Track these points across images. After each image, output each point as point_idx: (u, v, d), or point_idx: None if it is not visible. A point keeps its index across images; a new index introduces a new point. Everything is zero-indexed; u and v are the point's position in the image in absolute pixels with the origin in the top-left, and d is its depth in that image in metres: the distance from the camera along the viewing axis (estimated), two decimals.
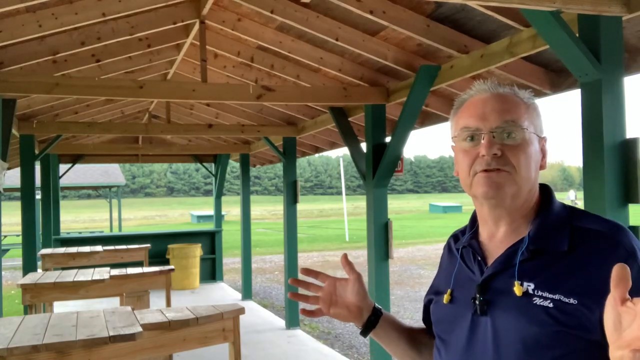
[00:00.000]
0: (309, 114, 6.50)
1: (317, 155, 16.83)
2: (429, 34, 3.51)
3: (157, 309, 3.87)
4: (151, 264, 8.01)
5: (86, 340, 2.82)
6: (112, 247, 7.78)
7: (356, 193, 77.17)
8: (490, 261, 1.14)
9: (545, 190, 1.17)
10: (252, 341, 6.61)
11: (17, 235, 15.96)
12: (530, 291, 1.04)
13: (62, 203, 11.91)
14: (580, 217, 1.11)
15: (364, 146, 5.08)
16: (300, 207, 8.71)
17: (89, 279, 5.08)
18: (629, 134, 2.51)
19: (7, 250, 17.56)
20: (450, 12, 3.38)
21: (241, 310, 3.80)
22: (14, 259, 16.37)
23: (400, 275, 13.22)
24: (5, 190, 10.58)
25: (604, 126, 2.47)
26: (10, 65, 4.03)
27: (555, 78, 3.75)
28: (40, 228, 9.76)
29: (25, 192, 6.35)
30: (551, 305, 1.01)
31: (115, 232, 23.34)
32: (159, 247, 10.43)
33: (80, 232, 24.41)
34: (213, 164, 11.75)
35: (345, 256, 1.32)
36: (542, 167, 1.15)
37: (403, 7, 3.43)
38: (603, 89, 2.48)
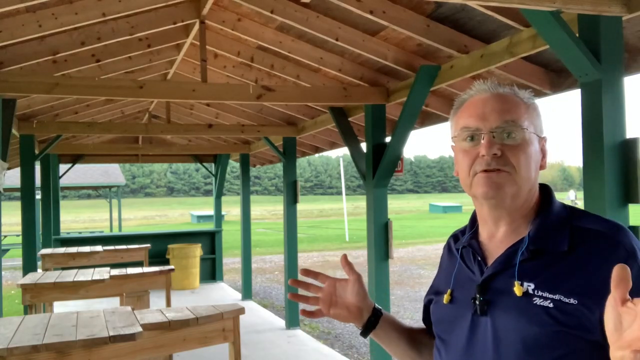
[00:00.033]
0: (309, 114, 6.50)
1: (317, 155, 16.84)
2: (429, 34, 3.51)
3: (157, 309, 3.87)
4: (151, 264, 8.01)
5: (86, 340, 2.81)
6: (112, 247, 7.78)
7: (356, 193, 77.17)
8: (490, 261, 1.13)
9: (545, 190, 1.17)
10: (252, 341, 6.61)
11: (17, 235, 15.97)
12: (531, 291, 1.04)
13: (62, 203, 11.91)
14: (580, 217, 1.11)
15: (364, 146, 5.09)
16: (300, 207, 8.71)
17: (89, 279, 5.08)
18: (629, 134, 2.51)
19: (7, 250, 17.56)
20: (450, 12, 3.38)
21: (241, 310, 3.80)
22: (14, 259, 16.38)
23: (400, 275, 13.22)
24: (5, 190, 10.58)
25: (604, 126, 2.47)
26: (10, 65, 4.03)
27: (555, 78, 3.75)
28: (40, 228, 9.76)
29: (25, 192, 6.35)
30: (551, 305, 1.01)
31: (115, 232, 23.34)
32: (159, 247, 10.44)
33: (80, 232, 24.41)
34: (213, 164, 11.75)
35: (344, 257, 1.32)
36: (542, 167, 1.15)
37: (403, 7, 3.43)
38: (603, 89, 2.48)
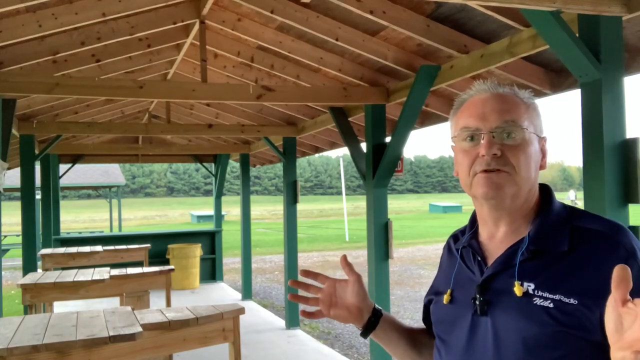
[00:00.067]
0: (309, 114, 6.50)
1: (317, 155, 16.84)
2: (429, 34, 3.51)
3: (157, 309, 3.87)
4: (151, 264, 8.01)
5: (86, 340, 2.81)
6: (112, 247, 7.78)
7: (356, 193, 77.17)
8: (490, 261, 1.13)
9: (545, 190, 1.17)
10: (252, 341, 6.61)
11: (17, 235, 15.97)
12: (531, 291, 1.04)
13: (62, 203, 11.91)
14: (580, 217, 1.11)
15: (364, 146, 5.08)
16: (300, 207, 8.71)
17: (89, 279, 5.08)
18: (629, 134, 2.51)
19: (7, 250, 17.56)
20: (450, 12, 3.37)
21: (241, 310, 3.80)
22: (14, 259, 16.37)
23: (400, 275, 13.22)
24: (5, 190, 10.58)
25: (604, 126, 2.47)
26: (10, 65, 4.03)
27: (555, 78, 3.75)
28: (40, 228, 9.76)
29: (25, 192, 6.35)
30: (551, 305, 1.01)
31: (115, 232, 23.34)
32: (159, 247, 10.44)
33: (80, 232, 24.41)
34: (213, 164, 11.75)
35: (344, 257, 1.32)
36: (542, 167, 1.15)
37: (403, 7, 3.43)
38: (603, 89, 2.48)
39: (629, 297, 0.74)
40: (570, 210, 1.14)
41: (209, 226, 17.26)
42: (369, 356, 5.26)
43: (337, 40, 3.96)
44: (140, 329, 2.98)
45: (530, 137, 1.11)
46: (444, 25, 3.52)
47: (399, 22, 3.44)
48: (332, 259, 16.85)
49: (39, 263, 7.28)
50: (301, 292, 1.37)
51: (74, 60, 4.53)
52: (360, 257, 15.67)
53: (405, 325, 1.36)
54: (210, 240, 11.31)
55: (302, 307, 1.31)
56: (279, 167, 17.87)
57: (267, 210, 52.08)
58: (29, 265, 6.22)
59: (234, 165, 18.65)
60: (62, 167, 10.54)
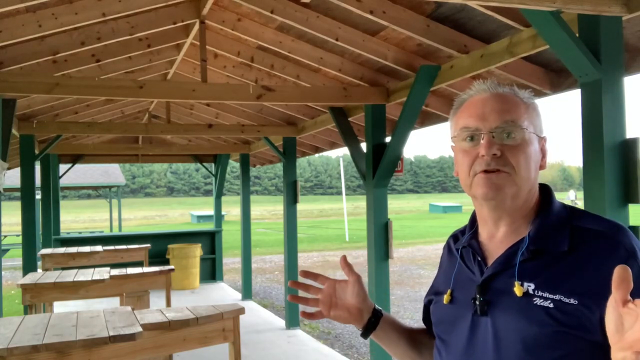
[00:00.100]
0: (309, 114, 6.50)
1: (317, 155, 16.83)
2: (429, 34, 3.51)
3: (157, 309, 3.87)
4: (151, 264, 8.01)
5: (86, 340, 2.81)
6: (112, 247, 7.78)
7: (356, 193, 77.16)
8: (490, 261, 1.13)
9: (545, 190, 1.17)
10: (252, 341, 6.61)
11: (17, 235, 15.96)
12: (531, 291, 1.04)
13: (62, 203, 11.91)
14: (580, 217, 1.11)
15: (364, 146, 5.08)
16: (300, 207, 8.71)
17: (89, 279, 5.08)
18: (629, 134, 2.50)
19: (7, 250, 17.56)
20: (450, 12, 3.37)
21: (241, 310, 3.80)
22: (14, 259, 16.37)
23: (400, 275, 13.22)
24: (5, 190, 10.57)
25: (604, 126, 2.47)
26: (10, 65, 4.02)
27: (555, 78, 3.75)
28: (40, 228, 9.76)
29: (25, 192, 6.35)
30: (551, 305, 1.01)
31: (115, 232, 23.34)
32: (159, 247, 10.44)
33: (80, 232, 24.41)
34: (213, 164, 11.75)
35: (344, 258, 1.32)
36: (542, 167, 1.15)
37: (403, 7, 3.43)
38: (603, 89, 2.48)
39: (629, 297, 0.74)
40: (570, 210, 1.13)
41: (209, 226, 17.26)
42: (369, 356, 5.26)
43: (337, 40, 3.96)
44: (140, 329, 2.98)
45: (530, 137, 1.11)
46: (444, 25, 3.52)
47: (399, 22, 3.44)
48: (332, 259, 16.85)
49: (39, 263, 7.27)
50: (301, 293, 1.37)
51: (74, 60, 4.53)
52: (360, 257, 15.67)
53: (405, 326, 1.36)
54: (210, 240, 11.32)
55: (302, 307, 1.30)
56: (279, 167, 17.86)
57: (267, 210, 52.08)
58: (29, 265, 6.22)
59: (234, 165, 18.65)
60: (62, 167, 10.55)
